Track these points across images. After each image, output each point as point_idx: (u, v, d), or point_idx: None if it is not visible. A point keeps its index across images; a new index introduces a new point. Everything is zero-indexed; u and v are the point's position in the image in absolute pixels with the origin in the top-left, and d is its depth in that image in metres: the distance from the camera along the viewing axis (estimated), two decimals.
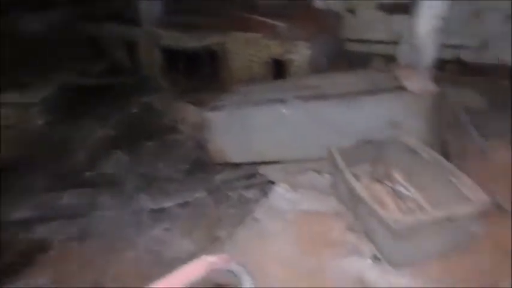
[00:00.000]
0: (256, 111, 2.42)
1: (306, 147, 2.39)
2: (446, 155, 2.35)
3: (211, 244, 2.22)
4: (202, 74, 4.38)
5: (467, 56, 3.53)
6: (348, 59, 3.95)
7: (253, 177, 2.67)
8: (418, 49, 2.58)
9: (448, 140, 2.48)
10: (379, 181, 2.07)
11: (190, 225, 2.42)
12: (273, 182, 2.46)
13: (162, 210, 2.60)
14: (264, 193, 2.53)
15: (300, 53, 3.60)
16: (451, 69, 3.60)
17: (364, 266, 1.67)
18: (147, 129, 3.58)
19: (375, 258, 1.69)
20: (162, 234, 2.37)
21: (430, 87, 2.08)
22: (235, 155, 2.59)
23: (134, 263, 2.17)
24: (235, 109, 2.50)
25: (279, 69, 3.75)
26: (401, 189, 1.97)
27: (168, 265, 2.01)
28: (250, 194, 2.63)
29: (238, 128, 2.48)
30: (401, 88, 2.14)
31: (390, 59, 3.05)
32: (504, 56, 3.30)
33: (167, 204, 2.65)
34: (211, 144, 2.54)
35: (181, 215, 2.53)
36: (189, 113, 3.46)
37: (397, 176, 2.07)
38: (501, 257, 1.59)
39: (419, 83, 2.12)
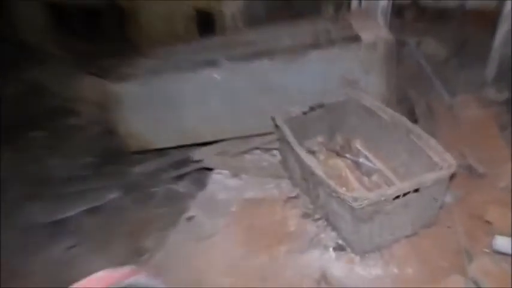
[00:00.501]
0: (180, 79, 2.29)
1: (248, 120, 2.35)
2: (411, 113, 2.49)
3: (135, 257, 2.10)
4: (105, 35, 4.07)
5: (426, 1, 3.69)
6: (290, 7, 3.92)
7: (184, 165, 2.56)
8: None
9: (412, 96, 2.62)
10: (338, 154, 2.11)
11: (104, 236, 2.26)
12: (209, 169, 2.40)
13: (62, 223, 2.38)
14: (200, 184, 2.46)
15: (231, 3, 3.49)
16: (410, 15, 3.76)
17: (327, 260, 1.69)
18: (32, 115, 3.25)
19: (339, 248, 1.73)
20: (64, 255, 2.17)
21: (387, 35, 2.12)
22: (157, 139, 2.45)
23: None
24: (152, 77, 2.33)
25: (206, 24, 3.61)
26: (364, 161, 2.03)
27: None
28: (181, 187, 2.54)
29: (157, 102, 2.33)
30: (355, 38, 2.16)
31: (340, 5, 3.07)
32: None
33: (69, 213, 2.43)
34: (123, 127, 2.36)
35: (89, 225, 2.35)
36: (89, 87, 3.16)
37: (358, 145, 2.13)
38: (476, 226, 1.73)
39: (374, 32, 2.16)
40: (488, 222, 1.67)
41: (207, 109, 2.33)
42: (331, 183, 1.53)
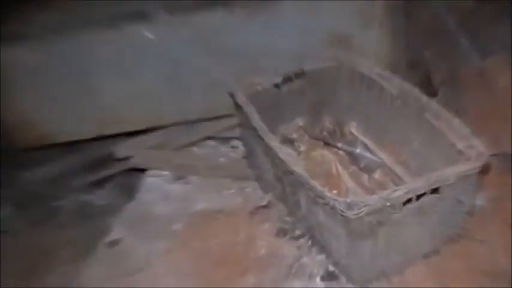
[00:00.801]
0: (95, 40, 2.18)
1: (195, 98, 2.29)
2: (427, 83, 2.49)
3: None
4: None
5: None
6: None
7: (103, 165, 2.47)
8: None
9: (428, 59, 2.61)
10: (326, 143, 2.08)
11: None
12: (142, 170, 2.34)
13: None
14: (128, 192, 2.39)
15: None
16: None
17: None
18: None
19: (330, 277, 1.70)
20: None
21: None
22: (63, 128, 2.36)
23: None
24: (53, 38, 2.21)
25: None
26: (362, 152, 2.01)
27: None
28: (100, 197, 2.46)
29: (59, 72, 2.21)
30: None
31: None
32: None
33: None
34: (7, 112, 2.23)
35: None
36: None
37: (353, 130, 2.11)
38: None
39: None
40: None
41: (135, 83, 2.24)
42: (316, 184, 1.49)
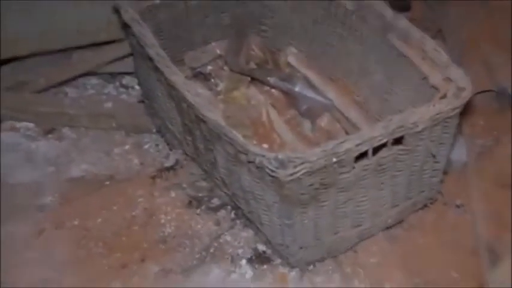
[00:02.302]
0: None
1: (66, 15, 2.24)
2: None
3: None
4: None
5: None
6: None
7: None
8: None
9: None
10: (254, 78, 2.09)
11: None
12: None
13: None
14: None
15: None
16: None
17: (236, 281, 1.72)
18: None
19: (259, 260, 1.76)
20: None
21: None
22: None
23: None
24: None
25: None
26: (303, 89, 2.02)
27: None
28: None
29: None
30: None
31: None
32: None
33: None
34: None
35: None
36: None
37: (293, 58, 2.13)
38: (506, 202, 1.85)
39: None
40: None
41: None
42: (237, 135, 1.48)
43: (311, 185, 1.47)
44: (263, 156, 1.40)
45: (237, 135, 1.48)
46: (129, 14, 1.83)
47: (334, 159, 1.43)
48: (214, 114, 1.56)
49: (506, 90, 2.15)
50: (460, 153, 1.98)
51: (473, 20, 2.39)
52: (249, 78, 2.10)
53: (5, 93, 2.27)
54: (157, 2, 1.93)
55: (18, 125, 2.26)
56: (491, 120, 2.09)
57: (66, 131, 2.23)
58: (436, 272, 1.75)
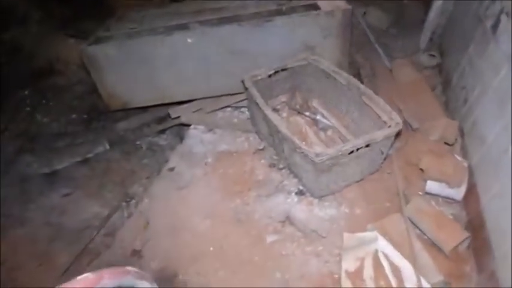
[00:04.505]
0: (155, 42, 1.94)
1: (219, 81, 2.07)
2: (357, 75, 2.32)
3: (124, 203, 1.91)
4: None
5: None
6: None
7: (164, 120, 2.30)
8: None
9: (358, 60, 2.43)
10: (299, 112, 1.92)
11: (96, 185, 2.03)
12: (187, 125, 2.16)
13: (56, 173, 2.11)
14: (179, 138, 2.24)
15: None
16: None
17: (289, 203, 1.58)
18: (15, 76, 2.75)
19: (300, 193, 1.62)
20: (60, 202, 1.94)
21: (344, 5, 1.87)
22: (135, 99, 2.14)
23: (29, 241, 1.75)
24: (127, 40, 1.97)
25: None
26: (321, 118, 1.86)
27: (74, 239, 1.71)
28: (162, 140, 2.30)
29: (134, 64, 1.99)
30: (314, 7, 1.89)
31: None
32: None
33: (62, 164, 2.16)
34: (102, 88, 2.02)
35: (82, 175, 2.09)
36: (70, 49, 2.72)
37: (316, 104, 1.94)
38: (411, 172, 1.66)
39: (332, 1, 1.89)
40: (421, 169, 1.59)
41: (181, 71, 2.02)
42: (296, 140, 1.36)
43: (328, 164, 1.34)
44: (308, 151, 1.31)
45: (296, 140, 1.36)
46: (247, 82, 1.72)
47: (340, 153, 1.31)
48: (284, 129, 1.45)
49: (408, 121, 1.90)
50: (390, 150, 1.74)
51: (391, 88, 2.16)
52: (297, 112, 1.95)
53: (192, 113, 2.14)
54: (259, 77, 1.80)
55: (197, 127, 2.13)
56: (402, 134, 1.83)
57: (217, 130, 2.10)
58: (380, 202, 1.58)
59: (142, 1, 3.19)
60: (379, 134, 1.37)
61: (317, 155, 1.28)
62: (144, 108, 2.31)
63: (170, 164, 1.90)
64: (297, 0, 2.09)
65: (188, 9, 2.33)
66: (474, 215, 1.44)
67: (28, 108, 2.58)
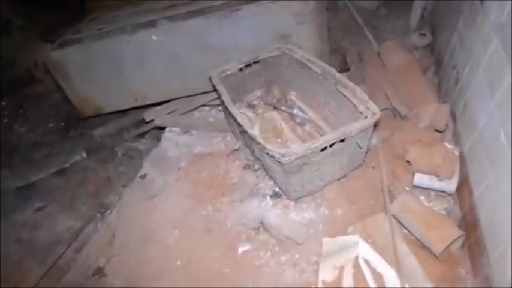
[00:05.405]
0: (120, 42, 1.83)
1: (193, 79, 1.94)
2: (343, 62, 2.16)
3: (99, 214, 1.82)
4: (66, 5, 3.40)
5: None
6: None
7: (139, 125, 2.20)
8: None
9: (344, 46, 2.27)
10: (275, 107, 1.78)
11: (71, 196, 1.95)
12: (163, 128, 2.05)
13: (31, 186, 2.04)
14: (157, 141, 2.13)
15: None
16: None
17: (264, 207, 1.47)
18: None
19: (275, 196, 1.50)
20: (33, 217, 1.86)
21: None
22: (108, 103, 2.05)
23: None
24: (93, 42, 1.86)
25: None
26: (298, 112, 1.72)
27: (44, 255, 1.63)
28: (141, 145, 2.20)
29: (101, 66, 1.89)
30: None
31: None
32: None
33: (36, 176, 2.08)
34: (70, 93, 1.93)
35: (57, 186, 2.02)
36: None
37: (293, 97, 1.81)
38: (398, 165, 1.51)
39: None
40: (408, 162, 1.44)
41: (151, 71, 1.91)
42: (261, 140, 1.24)
43: (297, 163, 1.21)
44: (273, 151, 1.19)
45: (261, 141, 1.24)
46: (215, 79, 1.61)
47: (309, 152, 1.19)
48: (251, 130, 1.33)
49: (396, 108, 1.76)
50: (374, 140, 1.63)
51: (379, 73, 1.98)
52: (272, 107, 1.81)
53: (167, 116, 2.03)
54: (229, 73, 1.67)
55: (173, 129, 2.03)
56: (389, 122, 1.72)
57: (192, 131, 1.99)
58: (363, 201, 1.45)
59: (122, 1, 3.10)
60: (354, 127, 1.23)
61: (283, 155, 1.15)
62: (124, 112, 2.21)
63: (142, 171, 1.81)
64: None
65: (160, 5, 2.21)
66: (467, 209, 1.29)
67: (6, 120, 2.52)
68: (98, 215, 1.82)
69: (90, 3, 3.32)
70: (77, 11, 3.30)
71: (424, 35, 2.15)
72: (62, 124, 2.42)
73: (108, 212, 1.80)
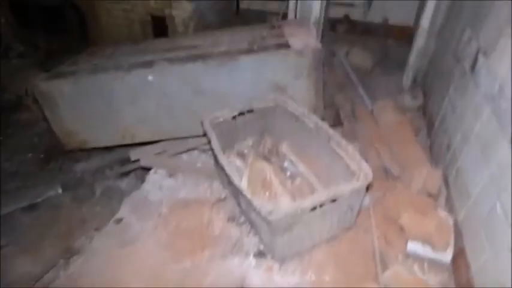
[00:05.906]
0: (114, 79, 1.81)
1: (185, 121, 1.91)
2: (337, 117, 2.18)
3: (63, 260, 1.66)
4: (68, 34, 3.48)
5: (355, 15, 3.44)
6: (243, 17, 3.52)
7: (123, 164, 2.11)
8: (306, 3, 2.27)
9: (338, 101, 2.30)
10: (266, 158, 1.74)
11: (37, 236, 1.79)
12: (149, 168, 1.97)
13: None
14: (141, 182, 2.03)
15: (182, 8, 3.03)
16: (342, 29, 3.49)
17: (246, 267, 1.35)
18: None
19: (260, 255, 1.39)
20: None
21: (313, 43, 1.76)
22: (94, 138, 1.98)
23: None
24: (85, 76, 1.85)
25: (160, 28, 3.14)
26: (289, 165, 1.68)
27: None
28: (124, 184, 2.10)
29: (92, 100, 1.86)
30: (285, 46, 1.79)
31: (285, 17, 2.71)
32: (388, 15, 3.28)
33: (5, 210, 1.93)
34: (57, 125, 1.87)
35: (24, 223, 1.86)
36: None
37: (284, 149, 1.77)
38: (391, 229, 1.44)
39: (303, 40, 1.80)
40: (401, 227, 1.38)
41: (142, 109, 1.88)
42: (248, 194, 1.17)
43: (286, 221, 1.12)
44: (260, 207, 1.11)
45: (248, 194, 1.16)
46: (206, 125, 1.58)
47: (299, 211, 1.10)
48: (238, 181, 1.26)
49: (388, 167, 1.74)
50: (366, 200, 1.56)
51: (372, 130, 2.02)
52: (263, 157, 1.76)
53: (154, 155, 1.97)
54: (221, 119, 1.65)
55: (158, 171, 1.94)
56: (381, 182, 1.67)
57: (180, 175, 1.90)
58: (353, 267, 1.34)
59: (127, 39, 3.18)
60: (346, 188, 1.18)
61: (270, 212, 1.07)
62: (109, 149, 2.13)
63: (119, 214, 1.69)
64: (270, 39, 2.00)
65: (162, 46, 2.24)
66: (464, 283, 1.21)
67: None
68: (62, 260, 1.66)
69: (93, 33, 3.43)
70: (79, 40, 3.37)
71: (416, 97, 2.21)
72: (42, 156, 2.31)
73: (75, 257, 1.65)
